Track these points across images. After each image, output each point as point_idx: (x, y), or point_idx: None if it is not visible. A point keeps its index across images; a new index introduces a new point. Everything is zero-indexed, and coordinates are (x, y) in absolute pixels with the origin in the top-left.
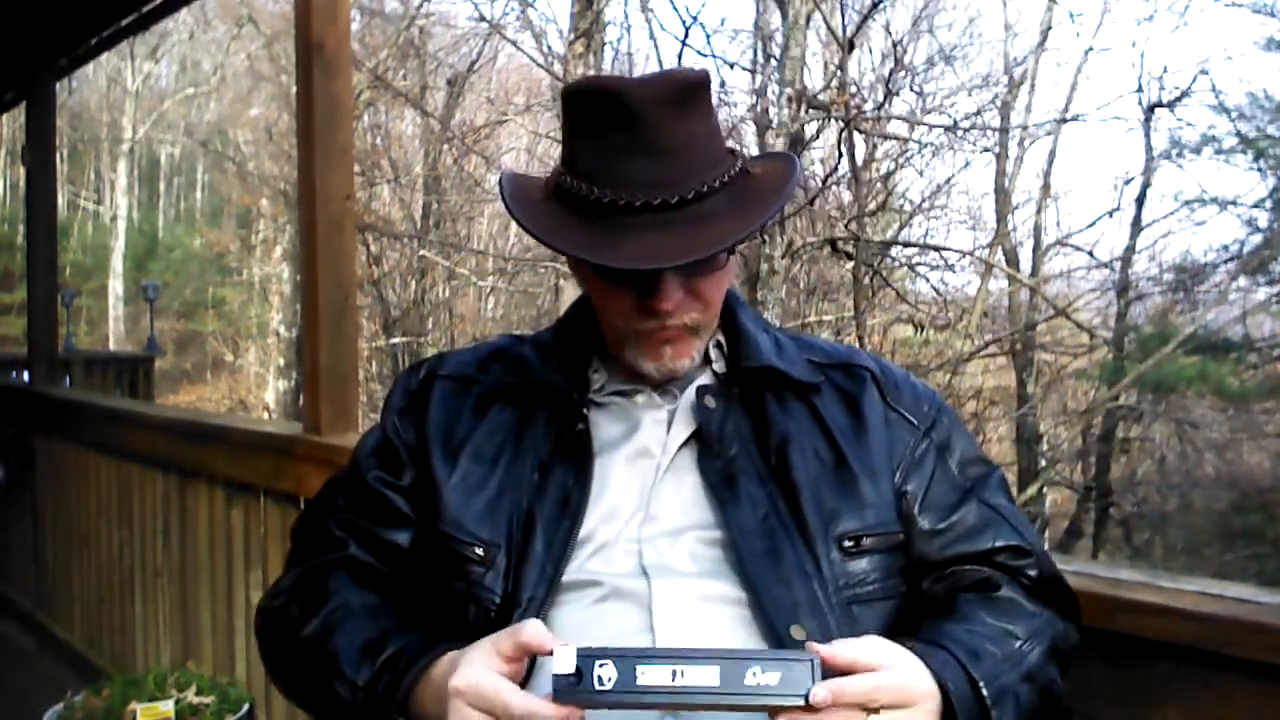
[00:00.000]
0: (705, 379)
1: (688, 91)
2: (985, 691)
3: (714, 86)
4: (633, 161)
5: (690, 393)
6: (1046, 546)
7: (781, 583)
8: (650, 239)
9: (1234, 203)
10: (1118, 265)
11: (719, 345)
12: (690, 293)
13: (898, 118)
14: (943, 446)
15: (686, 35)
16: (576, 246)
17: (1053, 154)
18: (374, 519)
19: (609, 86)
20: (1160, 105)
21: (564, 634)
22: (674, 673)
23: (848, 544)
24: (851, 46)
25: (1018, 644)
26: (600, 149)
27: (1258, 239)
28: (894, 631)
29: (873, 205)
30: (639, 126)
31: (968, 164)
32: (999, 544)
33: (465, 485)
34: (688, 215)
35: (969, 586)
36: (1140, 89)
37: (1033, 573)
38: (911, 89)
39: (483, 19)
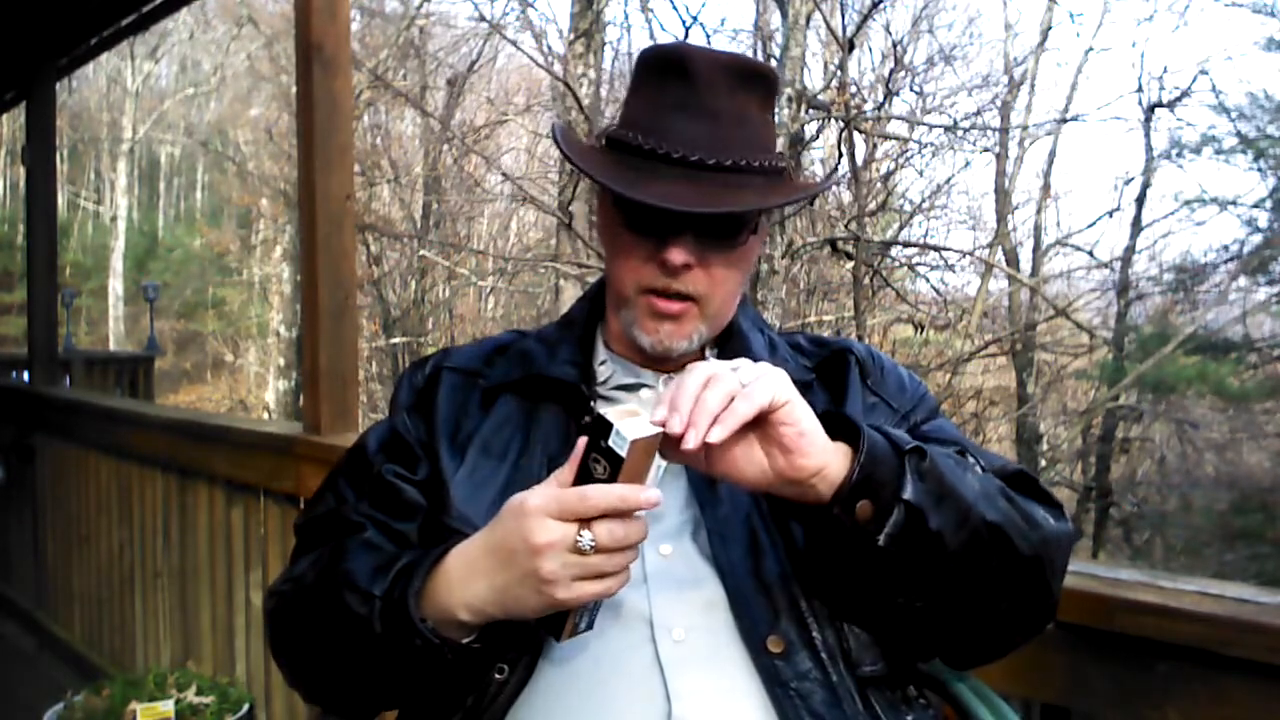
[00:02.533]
0: None
1: (751, 72)
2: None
3: (779, 96)
4: (682, 118)
5: None
6: None
7: (761, 591)
8: (677, 188)
9: (1234, 203)
10: (1118, 265)
11: (714, 343)
12: (702, 263)
13: (898, 118)
14: (912, 428)
15: (686, 35)
16: (604, 176)
17: (1053, 154)
18: (389, 510)
19: (678, 47)
20: (1160, 105)
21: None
22: None
23: None
24: (851, 46)
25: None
26: (656, 105)
27: (1258, 239)
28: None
29: (873, 205)
30: (696, 85)
31: (968, 164)
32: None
33: (473, 479)
34: (719, 179)
35: None
36: (1140, 89)
37: (980, 466)
38: (911, 89)
39: (483, 19)
